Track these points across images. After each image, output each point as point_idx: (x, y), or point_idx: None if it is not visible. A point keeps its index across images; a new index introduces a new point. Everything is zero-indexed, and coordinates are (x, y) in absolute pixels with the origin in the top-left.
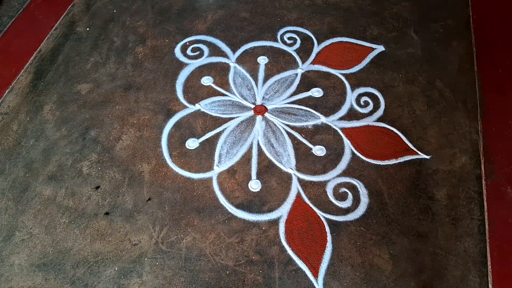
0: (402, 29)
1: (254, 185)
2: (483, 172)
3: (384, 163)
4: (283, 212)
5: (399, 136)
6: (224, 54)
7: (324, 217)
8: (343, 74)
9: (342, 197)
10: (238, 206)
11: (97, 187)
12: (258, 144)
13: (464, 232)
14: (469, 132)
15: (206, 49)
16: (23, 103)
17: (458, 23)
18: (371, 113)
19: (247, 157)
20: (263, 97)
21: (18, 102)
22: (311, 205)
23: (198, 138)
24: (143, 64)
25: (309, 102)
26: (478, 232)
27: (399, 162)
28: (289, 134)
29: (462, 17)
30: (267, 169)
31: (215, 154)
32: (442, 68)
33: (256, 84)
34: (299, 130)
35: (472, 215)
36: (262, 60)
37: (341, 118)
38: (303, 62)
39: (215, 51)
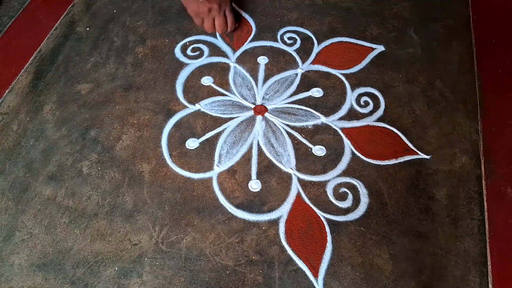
0: (402, 29)
1: (254, 185)
2: (483, 172)
3: (384, 163)
4: (283, 212)
5: (399, 136)
6: (224, 54)
7: (324, 217)
8: (343, 74)
9: (342, 197)
10: (238, 206)
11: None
12: (258, 144)
13: (464, 232)
14: (469, 132)
15: (206, 49)
16: (23, 103)
17: (458, 23)
18: (371, 113)
19: (247, 157)
20: (263, 97)
21: (18, 102)
22: (311, 205)
23: (198, 138)
24: (143, 64)
25: (309, 102)
26: (478, 232)
27: (399, 162)
28: (289, 134)
29: (462, 17)
30: (267, 169)
31: (215, 154)
32: (442, 68)
33: (256, 84)
34: (299, 130)
35: (472, 215)
36: (262, 60)
37: (341, 118)
38: (303, 62)
39: (215, 51)
